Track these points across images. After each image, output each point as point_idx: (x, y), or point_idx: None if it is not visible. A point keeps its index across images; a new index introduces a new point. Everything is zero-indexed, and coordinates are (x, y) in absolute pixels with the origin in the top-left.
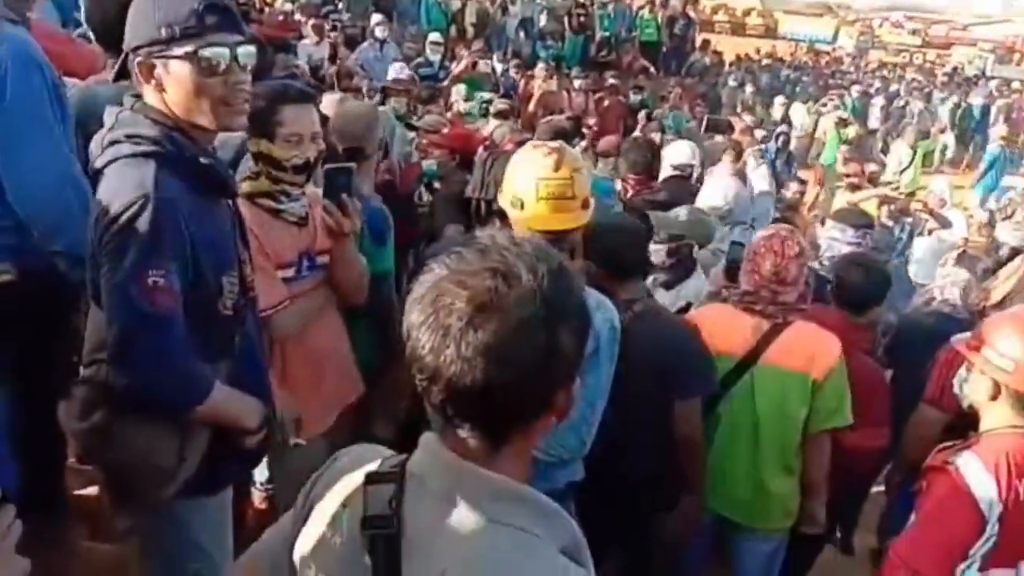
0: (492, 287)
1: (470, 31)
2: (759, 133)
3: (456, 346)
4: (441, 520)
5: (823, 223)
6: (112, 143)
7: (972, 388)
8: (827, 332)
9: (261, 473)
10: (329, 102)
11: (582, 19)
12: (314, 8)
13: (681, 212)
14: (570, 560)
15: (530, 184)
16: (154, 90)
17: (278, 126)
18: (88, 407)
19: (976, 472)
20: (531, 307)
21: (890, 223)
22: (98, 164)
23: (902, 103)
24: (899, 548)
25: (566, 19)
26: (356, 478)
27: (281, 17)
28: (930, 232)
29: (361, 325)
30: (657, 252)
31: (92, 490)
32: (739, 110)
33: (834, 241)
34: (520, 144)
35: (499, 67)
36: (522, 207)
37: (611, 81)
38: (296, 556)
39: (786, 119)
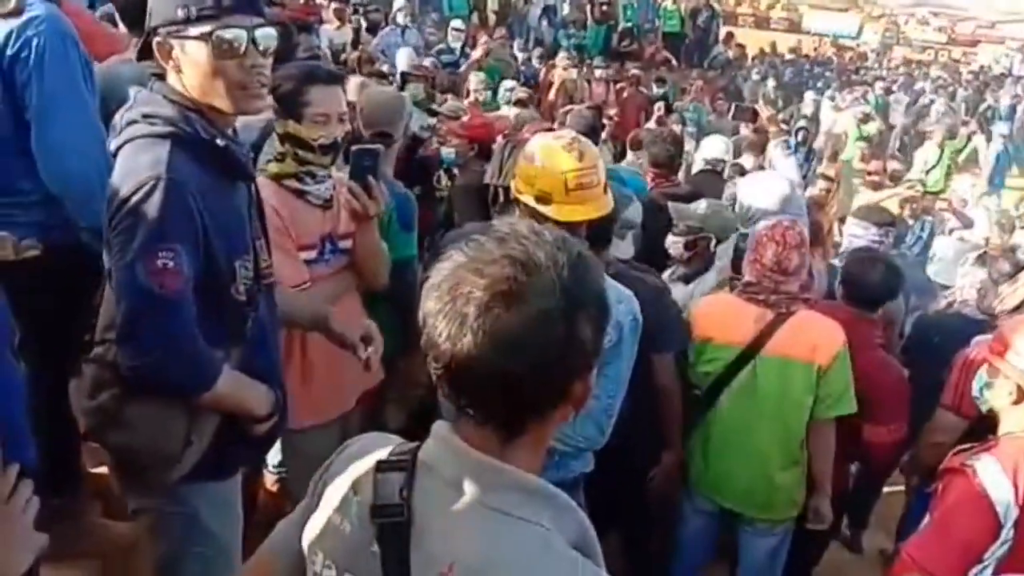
0: (511, 276)
1: (492, 19)
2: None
3: (473, 335)
4: (451, 510)
5: (842, 221)
6: (129, 123)
7: (994, 392)
8: (830, 320)
9: (273, 456)
10: (351, 87)
11: (605, 8)
12: None
13: (701, 204)
14: (580, 553)
15: (557, 178)
16: (173, 71)
17: (306, 106)
18: (97, 386)
19: (994, 475)
20: (550, 297)
21: (911, 222)
22: (115, 143)
23: (927, 101)
24: (912, 549)
25: (589, 8)
26: (366, 466)
27: (303, 1)
28: (951, 232)
29: (381, 311)
30: (675, 244)
31: (106, 468)
32: (761, 104)
33: (855, 238)
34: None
35: (520, 55)
36: (550, 201)
37: (633, 72)
38: (304, 542)
39: (815, 116)
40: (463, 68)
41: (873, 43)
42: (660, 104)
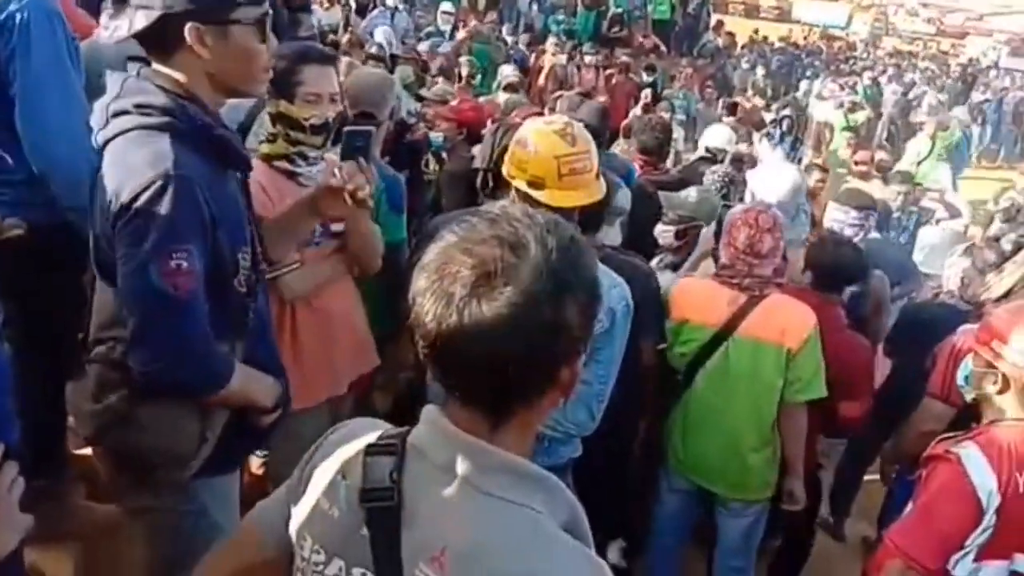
0: (498, 256)
1: (482, 2)
2: (767, 116)
3: (459, 315)
4: (441, 494)
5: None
6: (119, 113)
7: (978, 381)
8: (802, 304)
9: None
10: (342, 68)
11: None
12: None
13: (692, 193)
14: (570, 536)
15: (550, 163)
16: (191, 57)
17: (298, 86)
18: (103, 388)
19: (977, 462)
20: (537, 279)
21: (898, 213)
22: (103, 136)
23: (920, 92)
24: (895, 536)
25: None
26: (355, 450)
27: None
28: (938, 222)
29: (370, 295)
30: (665, 233)
31: (90, 450)
32: (750, 93)
33: (836, 223)
34: (528, 117)
35: (509, 39)
36: (543, 187)
37: (623, 59)
38: (292, 528)
39: (804, 105)
40: (442, 48)
41: (862, 33)
42: (647, 92)
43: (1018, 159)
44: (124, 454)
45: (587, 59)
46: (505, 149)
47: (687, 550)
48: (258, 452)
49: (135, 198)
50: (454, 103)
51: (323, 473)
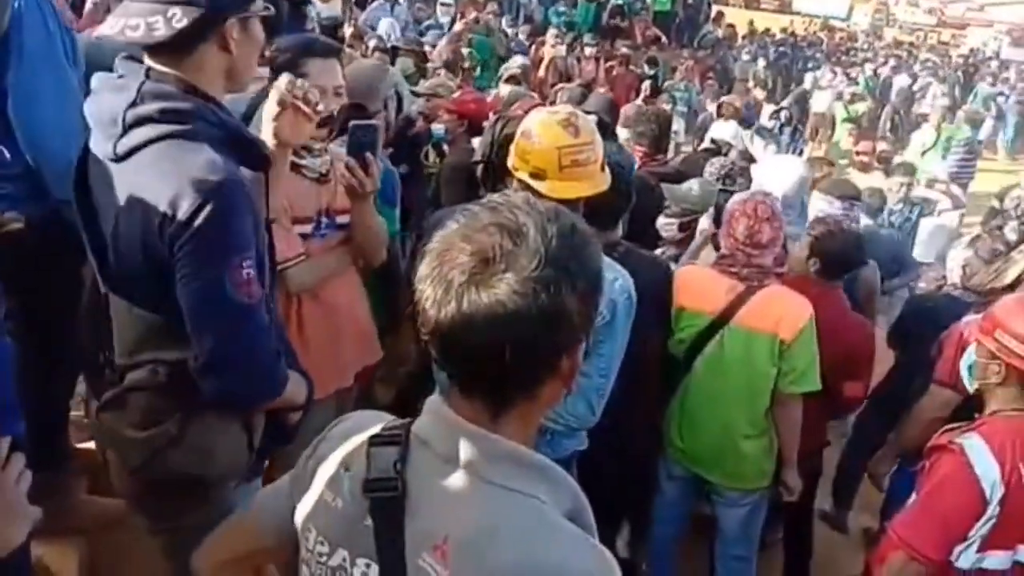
0: (497, 243)
1: None
2: (768, 108)
3: (457, 301)
4: (445, 483)
5: None
6: (142, 121)
7: (982, 371)
8: (798, 295)
9: None
10: None
11: None
12: None
13: (694, 186)
14: (574, 524)
15: (551, 154)
16: (214, 54)
17: (303, 79)
18: (151, 414)
19: (981, 452)
20: (536, 266)
21: (899, 205)
22: (123, 146)
23: (924, 83)
24: (898, 527)
25: None
26: (358, 441)
27: None
28: (939, 214)
29: (373, 287)
30: (668, 226)
31: (92, 444)
32: (751, 84)
33: (820, 213)
34: (531, 109)
35: (509, 31)
36: (544, 178)
37: (623, 50)
38: (298, 519)
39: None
40: (443, 42)
41: (863, 24)
42: (646, 84)
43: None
44: (174, 478)
45: (587, 51)
46: (505, 141)
47: (690, 541)
48: None
49: (196, 212)
50: (457, 95)
51: (327, 465)
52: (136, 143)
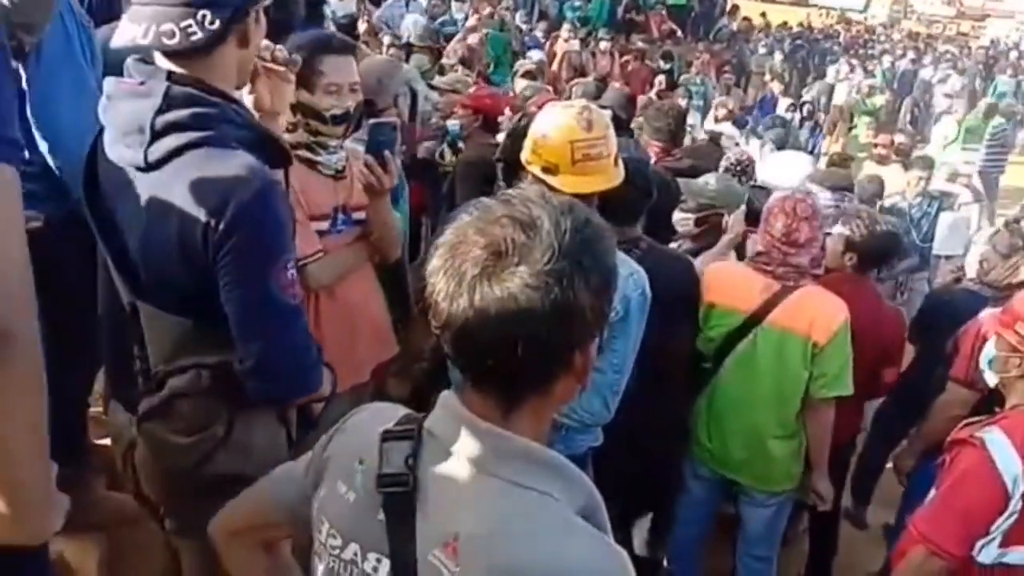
0: (510, 235)
1: None
2: (785, 102)
3: (469, 293)
4: (457, 479)
5: None
6: (171, 127)
7: (1002, 364)
8: (834, 296)
9: None
10: None
11: None
12: None
13: (710, 180)
14: (588, 523)
15: (564, 148)
16: (230, 51)
17: (319, 76)
18: (198, 419)
19: (1002, 447)
20: (549, 260)
21: (917, 200)
22: (153, 154)
23: (944, 75)
24: (919, 523)
25: None
26: (372, 435)
27: None
28: (959, 208)
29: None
30: (685, 221)
31: (110, 441)
32: (768, 78)
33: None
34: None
35: (524, 27)
36: (556, 172)
37: (638, 44)
38: (312, 510)
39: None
40: (458, 37)
41: (881, 16)
42: (661, 78)
43: None
44: (219, 480)
45: (602, 45)
46: (520, 137)
47: (712, 539)
48: None
49: (239, 219)
50: (473, 90)
51: (341, 458)
52: (166, 151)
